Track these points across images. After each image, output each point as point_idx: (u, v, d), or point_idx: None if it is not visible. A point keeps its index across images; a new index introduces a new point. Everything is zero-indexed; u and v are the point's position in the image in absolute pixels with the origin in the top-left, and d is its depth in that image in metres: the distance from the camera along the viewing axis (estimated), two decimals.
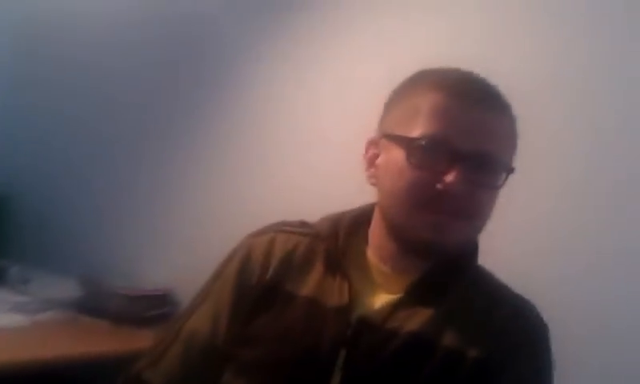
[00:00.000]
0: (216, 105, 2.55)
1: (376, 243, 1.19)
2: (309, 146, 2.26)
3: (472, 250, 1.21)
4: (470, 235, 1.15)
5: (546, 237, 1.75)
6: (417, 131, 1.07)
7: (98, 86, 2.93)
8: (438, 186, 1.05)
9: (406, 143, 1.08)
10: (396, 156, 1.09)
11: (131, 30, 2.84)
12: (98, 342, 2.20)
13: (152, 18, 2.78)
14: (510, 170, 1.11)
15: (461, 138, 1.05)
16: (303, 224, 1.26)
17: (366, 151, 1.19)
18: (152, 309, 2.33)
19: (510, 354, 1.08)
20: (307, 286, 1.16)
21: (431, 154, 1.06)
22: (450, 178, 1.04)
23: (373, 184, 1.17)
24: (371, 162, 1.17)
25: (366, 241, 1.21)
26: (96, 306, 2.36)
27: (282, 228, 1.26)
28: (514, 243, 1.73)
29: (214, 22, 2.59)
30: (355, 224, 1.23)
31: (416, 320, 1.09)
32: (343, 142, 2.01)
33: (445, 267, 1.14)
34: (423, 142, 1.06)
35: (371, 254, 1.19)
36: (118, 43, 2.88)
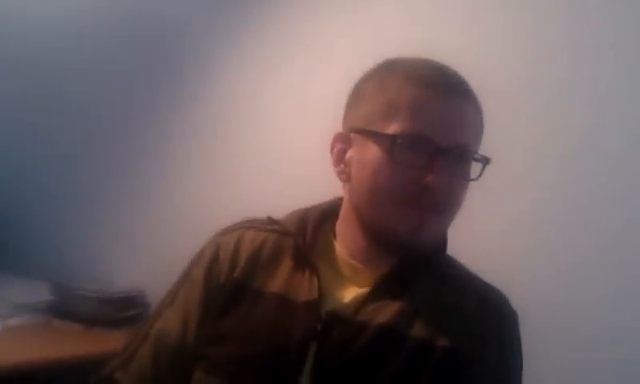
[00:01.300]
0: (179, 107, 2.55)
1: (345, 238, 1.19)
2: (272, 146, 2.27)
3: (440, 240, 1.21)
4: (444, 228, 1.15)
5: (524, 235, 1.76)
6: (396, 128, 1.06)
7: (58, 89, 2.90)
8: (420, 182, 1.05)
9: (386, 140, 1.07)
10: (372, 152, 1.09)
11: (93, 32, 2.82)
12: (70, 345, 2.19)
13: (113, 19, 2.76)
14: (486, 161, 1.11)
15: (441, 133, 1.06)
16: (270, 220, 1.26)
17: (333, 146, 1.18)
18: (122, 310, 2.33)
19: (479, 344, 1.09)
20: (276, 282, 1.16)
21: (413, 150, 1.06)
22: (433, 173, 1.05)
23: (343, 180, 1.17)
24: (340, 158, 1.16)
25: (333, 235, 1.21)
26: (67, 309, 2.35)
27: (249, 225, 1.26)
28: (492, 242, 1.75)
29: (175, 22, 2.58)
30: (322, 218, 1.23)
31: (386, 312, 1.09)
32: (306, 141, 2.02)
33: (414, 259, 1.14)
34: (405, 139, 1.06)
35: (340, 248, 1.19)
36: (77, 46, 2.86)
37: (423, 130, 1.06)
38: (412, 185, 1.06)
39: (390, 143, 1.06)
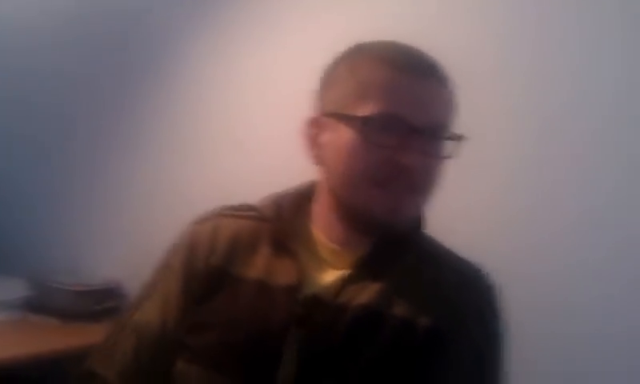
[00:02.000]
0: (149, 99, 2.52)
1: (322, 221, 1.18)
2: (244, 131, 2.27)
3: (417, 219, 1.21)
4: (421, 208, 1.16)
5: (500, 211, 1.78)
6: (368, 109, 1.06)
7: (28, 89, 2.86)
8: (396, 162, 1.05)
9: (359, 122, 1.07)
10: (346, 135, 1.09)
11: (58, 29, 2.79)
12: (48, 340, 2.18)
13: (77, 14, 2.73)
14: (459, 139, 1.11)
15: (414, 112, 1.06)
16: (246, 207, 1.25)
17: (306, 131, 1.18)
18: (100, 303, 2.32)
19: (460, 321, 1.10)
20: (255, 269, 1.15)
21: (386, 131, 1.05)
22: (407, 154, 1.05)
23: (317, 164, 1.17)
24: (313, 142, 1.16)
25: (310, 218, 1.21)
26: (44, 304, 2.34)
27: (225, 212, 1.26)
28: (469, 218, 1.77)
29: (141, 9, 2.56)
30: (298, 202, 1.23)
31: (366, 294, 1.10)
32: (277, 125, 2.02)
33: (392, 240, 1.15)
34: (378, 120, 1.06)
35: (317, 231, 1.19)
36: (41, 44, 2.82)
37: (395, 110, 1.06)
38: (386, 165, 1.06)
39: (363, 125, 1.06)
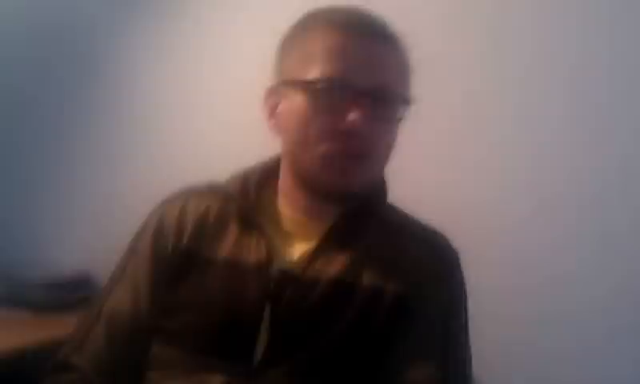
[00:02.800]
0: (109, 82, 2.49)
1: (286, 193, 1.19)
2: (201, 112, 2.27)
3: (381, 189, 1.23)
4: (374, 173, 1.16)
5: (456, 166, 1.80)
6: (314, 73, 1.07)
7: None
8: (341, 126, 1.05)
9: (305, 87, 1.07)
10: (296, 101, 1.09)
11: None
12: (20, 333, 2.15)
13: (17, 27, 2.68)
14: (408, 102, 1.11)
15: (358, 75, 1.05)
16: (212, 185, 1.25)
17: (265, 101, 1.18)
18: (71, 293, 2.29)
19: (426, 284, 1.12)
20: (224, 247, 1.16)
21: (330, 95, 1.06)
22: (351, 116, 1.04)
23: (276, 134, 1.17)
24: (272, 112, 1.17)
25: (276, 193, 1.21)
26: (14, 297, 2.30)
27: (191, 192, 1.25)
28: (426, 172, 1.79)
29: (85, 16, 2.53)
30: (264, 178, 1.23)
31: (335, 265, 1.11)
32: (235, 104, 2.02)
33: (357, 210, 1.16)
34: (321, 84, 1.06)
35: (283, 204, 1.19)
36: None
37: (340, 73, 1.06)
38: (331, 129, 1.06)
39: (308, 89, 1.07)
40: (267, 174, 1.24)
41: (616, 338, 1.59)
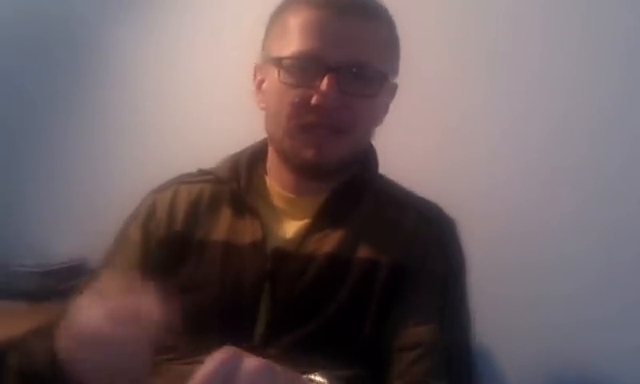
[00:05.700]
0: (103, 69, 2.48)
1: (275, 173, 1.20)
2: (192, 97, 2.26)
3: (371, 162, 1.23)
4: (352, 149, 1.14)
5: (456, 149, 1.82)
6: (287, 49, 1.07)
7: None
8: (312, 100, 1.05)
9: (279, 63, 1.08)
10: (273, 78, 1.10)
11: None
12: (16, 323, 2.15)
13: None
14: (387, 77, 1.12)
15: (330, 50, 1.05)
16: (203, 171, 1.25)
17: (254, 77, 1.20)
18: (65, 281, 2.28)
19: (423, 255, 1.12)
20: (219, 231, 1.15)
21: (302, 70, 1.06)
22: (321, 91, 1.04)
23: (262, 109, 1.18)
24: (259, 88, 1.18)
25: (265, 171, 1.22)
26: (8, 287, 2.29)
27: (182, 179, 1.25)
28: (425, 157, 1.81)
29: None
30: (254, 160, 1.23)
31: (330, 241, 1.11)
32: (225, 88, 2.02)
33: (349, 184, 1.16)
34: (293, 59, 1.06)
35: (273, 184, 1.20)
36: None
37: (310, 49, 1.06)
38: (301, 105, 1.07)
39: (281, 65, 1.08)
40: (256, 156, 1.24)
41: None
